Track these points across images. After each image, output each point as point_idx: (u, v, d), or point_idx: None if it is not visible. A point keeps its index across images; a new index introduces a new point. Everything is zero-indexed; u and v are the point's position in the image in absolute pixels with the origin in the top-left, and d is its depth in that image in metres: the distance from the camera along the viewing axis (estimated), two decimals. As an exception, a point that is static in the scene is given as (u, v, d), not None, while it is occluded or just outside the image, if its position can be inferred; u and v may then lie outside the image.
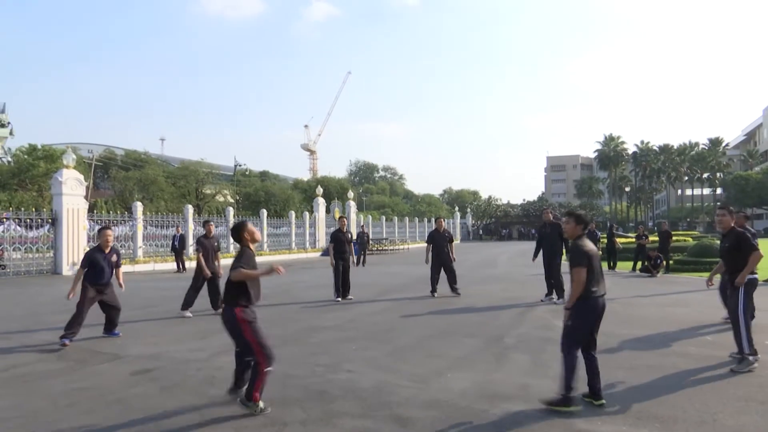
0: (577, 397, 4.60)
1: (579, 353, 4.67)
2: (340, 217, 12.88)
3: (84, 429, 4.29)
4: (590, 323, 4.68)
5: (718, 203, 71.86)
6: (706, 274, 8.55)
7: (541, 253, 11.66)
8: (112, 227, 21.59)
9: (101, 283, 7.64)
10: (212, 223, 10.88)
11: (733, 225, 6.24)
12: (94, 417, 4.54)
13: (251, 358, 4.60)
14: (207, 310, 9.89)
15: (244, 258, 4.56)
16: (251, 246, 4.72)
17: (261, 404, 4.50)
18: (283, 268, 4.68)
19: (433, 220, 58.70)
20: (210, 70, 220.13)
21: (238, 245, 4.83)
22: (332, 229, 13.18)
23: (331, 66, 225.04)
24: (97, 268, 7.58)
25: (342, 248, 11.89)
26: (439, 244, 12.25)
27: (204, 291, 9.93)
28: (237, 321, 4.51)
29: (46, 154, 39.48)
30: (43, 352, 6.95)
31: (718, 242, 8.64)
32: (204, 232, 10.49)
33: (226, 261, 8.90)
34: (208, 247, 9.94)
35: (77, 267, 7.74)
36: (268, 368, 4.54)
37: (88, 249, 10.54)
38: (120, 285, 8.00)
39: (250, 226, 4.77)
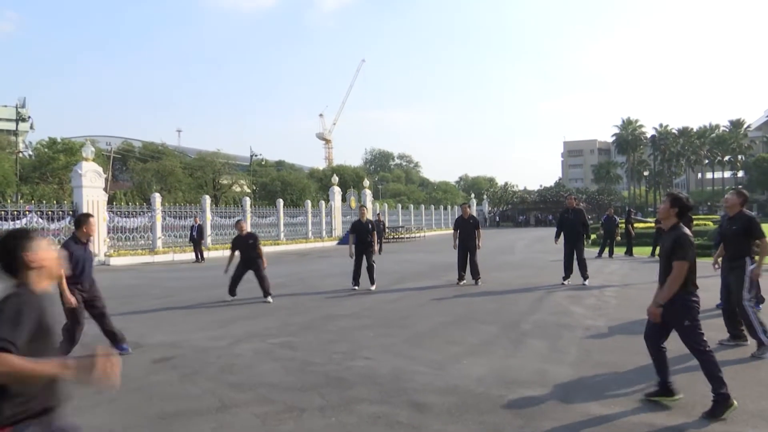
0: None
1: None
2: (360, 206, 12.73)
3: (107, 415, 4.39)
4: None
5: (739, 186, 70.56)
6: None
7: (562, 238, 12.10)
8: (132, 218, 22.30)
9: (81, 280, 6.11)
10: (244, 221, 11.83)
11: (742, 209, 6.05)
12: (117, 404, 4.64)
13: None
14: (223, 301, 10.18)
15: (7, 314, 1.97)
16: (44, 278, 2.18)
17: None
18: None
19: (449, 207, 59.09)
20: (225, 61, 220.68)
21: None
22: (348, 218, 13.22)
23: (346, 54, 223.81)
24: (74, 261, 5.97)
25: (364, 238, 11.71)
26: (465, 231, 12.25)
27: (247, 279, 10.40)
28: None
29: (65, 147, 39.96)
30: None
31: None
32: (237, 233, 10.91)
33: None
34: (238, 245, 10.62)
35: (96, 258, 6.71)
36: None
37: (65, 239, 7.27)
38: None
39: (35, 242, 2.17)
